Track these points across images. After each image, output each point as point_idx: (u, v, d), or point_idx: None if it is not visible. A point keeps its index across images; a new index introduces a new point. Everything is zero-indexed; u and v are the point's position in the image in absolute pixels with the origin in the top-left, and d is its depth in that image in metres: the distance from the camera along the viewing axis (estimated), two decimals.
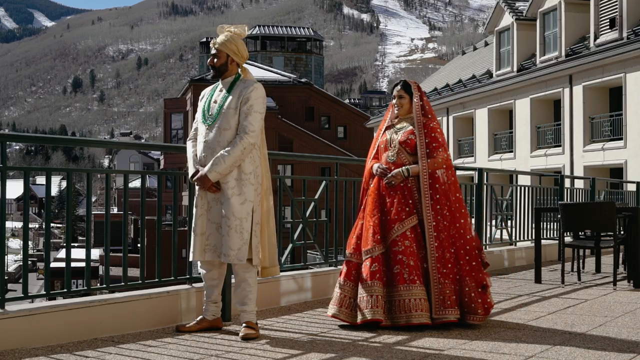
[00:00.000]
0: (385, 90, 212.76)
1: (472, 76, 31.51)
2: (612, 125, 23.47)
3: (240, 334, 4.52)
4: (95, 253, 41.96)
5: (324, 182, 6.58)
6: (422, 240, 4.96)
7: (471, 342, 4.44)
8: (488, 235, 9.01)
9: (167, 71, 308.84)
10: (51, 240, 20.20)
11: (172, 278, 5.15)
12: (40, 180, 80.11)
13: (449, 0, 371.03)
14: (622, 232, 8.12)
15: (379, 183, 5.12)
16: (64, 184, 74.35)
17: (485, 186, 8.85)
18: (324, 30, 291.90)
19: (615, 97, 23.62)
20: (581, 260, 8.38)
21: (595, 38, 23.61)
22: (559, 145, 25.73)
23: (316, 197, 6.40)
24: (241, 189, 4.57)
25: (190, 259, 4.75)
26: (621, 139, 22.76)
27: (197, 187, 4.68)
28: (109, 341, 4.39)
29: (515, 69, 28.08)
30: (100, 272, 39.92)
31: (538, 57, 26.71)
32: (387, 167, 5.11)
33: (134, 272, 6.77)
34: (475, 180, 8.76)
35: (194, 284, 5.20)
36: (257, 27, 68.10)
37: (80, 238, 61.01)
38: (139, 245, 30.58)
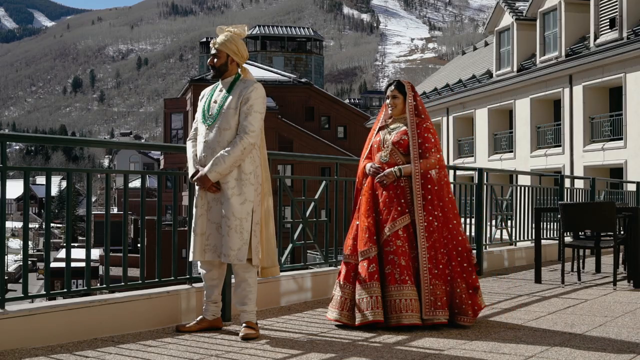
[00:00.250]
0: None
1: (472, 76, 31.51)
2: (612, 125, 23.47)
3: (240, 334, 4.52)
4: (95, 253, 41.96)
5: (324, 182, 6.58)
6: (415, 240, 4.96)
7: (471, 342, 4.44)
8: (488, 235, 9.00)
9: (167, 71, 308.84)
10: (51, 240, 20.20)
11: (172, 278, 5.14)
12: (40, 180, 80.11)
13: (449, 0, 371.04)
14: (622, 232, 8.12)
15: (372, 183, 5.12)
16: (64, 184, 74.36)
17: (485, 186, 8.84)
18: (324, 30, 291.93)
19: (615, 97, 23.62)
20: (581, 260, 8.38)
21: (595, 38, 23.61)
22: (559, 145, 25.73)
23: (316, 197, 6.40)
24: (241, 189, 4.57)
25: (190, 259, 4.75)
26: (621, 139, 22.76)
27: (197, 187, 4.68)
28: (109, 341, 4.39)
29: (515, 69, 28.08)
30: (100, 272, 39.92)
31: (538, 57, 26.71)
32: (379, 166, 5.11)
33: (134, 272, 6.77)
34: (475, 180, 8.76)
35: (194, 284, 5.20)
36: (257, 27, 68.10)
37: (80, 238, 61.01)
38: (139, 245, 30.59)
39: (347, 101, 70.86)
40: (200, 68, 68.21)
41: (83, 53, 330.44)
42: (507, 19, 28.77)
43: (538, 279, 7.61)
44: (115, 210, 48.99)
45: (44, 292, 4.63)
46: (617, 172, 23.49)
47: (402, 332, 4.72)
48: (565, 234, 8.43)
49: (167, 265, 5.00)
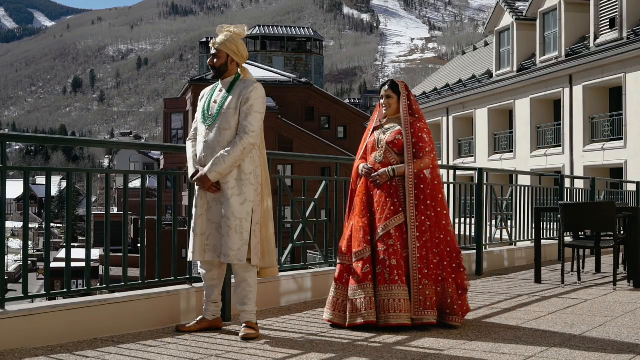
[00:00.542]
0: None
1: (472, 76, 31.51)
2: (612, 125, 23.47)
3: (240, 334, 4.52)
4: (95, 253, 41.97)
5: (324, 182, 6.58)
6: (408, 239, 4.95)
7: (471, 342, 4.44)
8: (488, 235, 9.00)
9: (167, 71, 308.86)
10: (51, 240, 20.20)
11: (172, 278, 5.14)
12: (40, 180, 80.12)
13: (449, 0, 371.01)
14: (622, 232, 8.12)
15: (366, 183, 5.12)
16: (64, 184, 74.36)
17: (485, 186, 8.84)
18: (324, 30, 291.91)
19: (615, 97, 23.63)
20: (581, 260, 8.38)
21: (595, 38, 23.61)
22: (559, 145, 25.73)
23: (316, 197, 6.40)
24: (241, 189, 4.57)
25: (190, 259, 4.75)
26: (621, 139, 22.76)
27: (197, 187, 4.68)
28: (109, 341, 4.39)
29: (515, 69, 28.08)
30: (100, 272, 39.92)
31: (538, 57, 26.71)
32: (371, 167, 5.11)
33: (134, 272, 6.77)
34: (475, 180, 8.76)
35: (194, 284, 5.20)
36: (257, 27, 68.06)
37: (80, 238, 61.03)
38: (139, 245, 30.59)
39: (347, 101, 70.81)
40: (200, 68, 68.19)
41: (83, 53, 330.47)
42: (507, 19, 28.77)
43: (538, 279, 7.61)
44: (115, 210, 49.00)
45: (44, 292, 4.63)
46: (617, 172, 23.49)
47: (401, 332, 4.72)
48: (565, 234, 8.43)
49: (167, 265, 5.00)
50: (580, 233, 8.26)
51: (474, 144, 31.10)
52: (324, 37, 78.92)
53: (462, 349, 4.26)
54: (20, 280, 7.43)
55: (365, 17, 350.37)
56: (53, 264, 35.81)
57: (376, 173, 5.05)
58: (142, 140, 61.00)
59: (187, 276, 5.24)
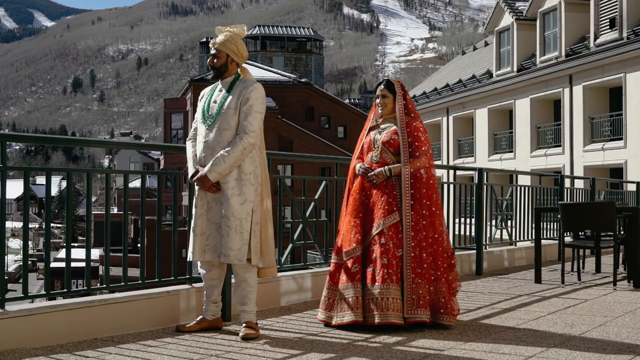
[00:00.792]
0: None
1: (472, 76, 31.51)
2: (612, 125, 23.48)
3: (240, 334, 4.52)
4: (95, 253, 41.97)
5: (324, 182, 6.58)
6: (403, 239, 4.94)
7: (471, 342, 4.44)
8: (488, 235, 9.00)
9: (167, 71, 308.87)
10: (51, 240, 20.20)
11: (172, 278, 5.14)
12: (40, 180, 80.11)
13: (449, 0, 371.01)
14: (622, 232, 8.12)
15: (362, 183, 5.12)
16: (64, 184, 74.36)
17: (485, 186, 8.84)
18: (324, 30, 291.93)
19: (615, 97, 23.63)
20: (581, 260, 8.38)
21: (595, 38, 23.62)
22: (559, 145, 25.73)
23: (316, 197, 6.40)
24: (241, 189, 4.57)
25: (190, 259, 4.75)
26: (621, 139, 22.77)
27: (197, 187, 4.68)
28: (109, 341, 4.39)
29: (515, 69, 28.08)
30: (100, 272, 39.92)
31: (538, 57, 26.71)
32: (368, 166, 5.11)
33: (134, 272, 6.78)
34: (475, 180, 8.76)
35: (194, 284, 5.20)
36: (257, 27, 68.04)
37: (80, 238, 61.03)
38: (139, 245, 30.58)
39: (347, 101, 70.73)
40: (200, 68, 68.18)
41: (83, 53, 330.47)
42: (507, 19, 28.77)
43: (538, 279, 7.61)
44: (115, 210, 49.00)
45: (44, 292, 4.63)
46: (617, 172, 23.49)
47: (393, 331, 4.72)
48: (565, 234, 8.43)
49: (167, 265, 5.00)
50: (580, 233, 8.26)
51: (474, 144, 31.11)
52: (324, 37, 78.91)
53: (462, 349, 4.26)
54: (20, 280, 7.43)
55: (365, 17, 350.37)
56: (53, 264, 35.81)
57: (372, 173, 5.05)
58: (142, 140, 61.00)
59: (187, 276, 5.24)
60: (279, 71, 50.79)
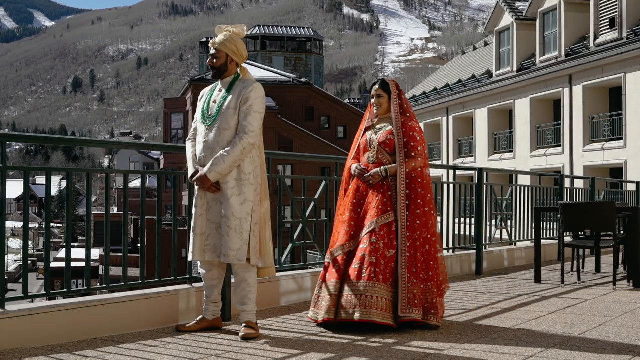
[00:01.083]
0: None
1: (472, 76, 31.51)
2: (612, 125, 23.48)
3: (240, 334, 4.53)
4: (95, 253, 41.97)
5: (323, 182, 6.58)
6: (395, 239, 4.92)
7: (471, 342, 4.44)
8: (488, 235, 9.00)
9: (167, 71, 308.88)
10: (51, 240, 20.19)
11: (172, 278, 5.14)
12: (40, 180, 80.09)
13: (449, 0, 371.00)
14: (621, 232, 8.13)
15: (358, 183, 5.12)
16: (64, 183, 74.39)
17: (485, 186, 8.84)
18: (323, 30, 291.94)
19: (615, 97, 23.64)
20: (581, 260, 8.38)
21: (595, 38, 23.62)
22: (559, 145, 25.74)
23: (316, 197, 6.41)
24: (241, 189, 4.57)
25: (190, 259, 4.75)
26: (621, 138, 22.77)
27: (196, 187, 4.68)
28: (109, 341, 4.39)
29: (515, 69, 28.09)
30: (100, 272, 39.93)
31: (538, 57, 26.71)
32: (364, 167, 5.11)
33: (134, 272, 6.78)
34: (475, 180, 8.76)
35: (194, 284, 5.20)
36: (257, 27, 68.04)
37: (80, 238, 61.03)
38: (139, 245, 30.59)
39: (347, 101, 70.76)
40: (200, 68, 68.18)
41: (83, 53, 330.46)
42: (507, 19, 28.77)
43: (538, 279, 7.62)
44: (115, 210, 48.99)
45: (44, 292, 4.63)
46: (616, 172, 23.50)
47: (403, 331, 4.72)
48: (565, 234, 8.43)
49: (167, 265, 5.01)
50: (580, 233, 8.26)
51: (473, 144, 31.11)
52: (323, 37, 78.91)
53: (462, 348, 4.26)
54: (20, 280, 7.43)
55: (365, 17, 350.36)
56: (53, 264, 35.81)
57: (369, 174, 5.05)
58: (142, 140, 61.03)
59: (187, 276, 5.24)
60: (279, 71, 50.78)
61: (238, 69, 4.76)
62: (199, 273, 4.85)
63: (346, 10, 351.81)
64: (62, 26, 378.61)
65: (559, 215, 7.78)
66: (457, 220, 8.45)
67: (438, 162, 32.83)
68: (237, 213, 4.52)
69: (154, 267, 5.05)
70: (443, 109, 33.27)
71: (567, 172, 24.60)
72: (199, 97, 4.87)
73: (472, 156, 30.99)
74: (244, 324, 4.60)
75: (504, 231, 9.52)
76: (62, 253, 46.64)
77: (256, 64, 50.55)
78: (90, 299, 4.66)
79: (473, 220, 8.63)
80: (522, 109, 27.56)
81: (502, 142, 29.49)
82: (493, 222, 9.27)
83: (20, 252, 54.56)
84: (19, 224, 75.35)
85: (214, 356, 4.03)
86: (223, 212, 4.54)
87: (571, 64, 24.26)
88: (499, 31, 29.51)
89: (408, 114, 5.17)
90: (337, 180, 6.60)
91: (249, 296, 4.65)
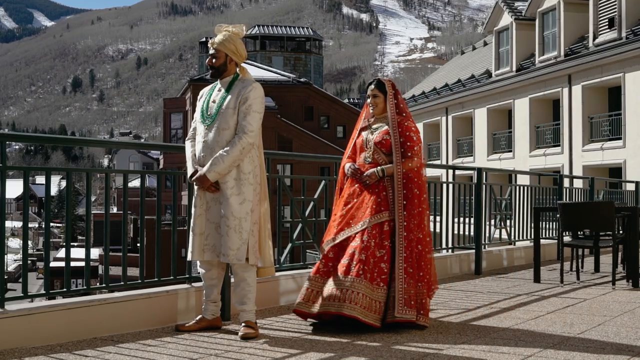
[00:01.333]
0: None
1: (471, 76, 31.51)
2: (611, 125, 23.48)
3: (240, 334, 4.53)
4: (95, 253, 41.96)
5: (323, 182, 6.59)
6: (389, 239, 4.91)
7: (470, 342, 4.45)
8: (487, 234, 9.01)
9: (167, 71, 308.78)
10: (51, 240, 20.19)
11: (172, 277, 5.15)
12: (40, 179, 79.78)
13: (448, 0, 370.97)
14: (621, 232, 8.14)
15: (353, 183, 5.13)
16: (64, 183, 74.26)
17: (484, 186, 8.85)
18: (323, 30, 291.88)
19: (614, 96, 23.64)
20: (580, 260, 8.39)
21: (594, 38, 23.62)
22: (558, 145, 25.74)
23: (315, 196, 6.41)
24: (240, 189, 4.57)
25: (189, 258, 4.76)
26: (620, 138, 22.77)
27: (196, 187, 4.69)
28: (108, 340, 4.39)
29: (514, 68, 28.09)
30: (100, 272, 39.93)
31: (537, 56, 26.71)
32: (358, 167, 5.11)
33: (133, 271, 6.78)
34: (475, 180, 8.77)
35: (193, 284, 5.20)
36: (256, 26, 68.01)
37: (79, 238, 61.01)
38: (138, 244, 30.57)
39: (346, 101, 70.71)
40: (200, 68, 68.15)
41: (83, 53, 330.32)
42: (506, 19, 28.77)
43: (537, 279, 7.62)
44: (114, 210, 48.99)
45: (44, 292, 4.63)
46: (616, 171, 23.50)
47: (402, 331, 4.73)
48: (564, 234, 8.44)
49: (166, 264, 5.01)
50: (579, 233, 8.27)
51: (473, 144, 31.11)
52: (323, 37, 78.87)
53: (461, 348, 4.27)
54: (20, 280, 7.43)
55: (365, 17, 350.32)
56: (53, 264, 35.79)
57: (366, 174, 5.06)
58: (142, 140, 60.99)
59: (187, 276, 5.24)
60: (278, 71, 50.78)
61: (237, 69, 4.77)
62: (199, 273, 4.85)
63: (345, 10, 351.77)
64: (61, 26, 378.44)
65: (558, 215, 7.78)
66: (456, 220, 8.46)
67: (437, 162, 32.83)
68: (236, 213, 4.53)
69: (153, 266, 5.05)
70: (442, 108, 33.27)
71: (566, 171, 24.60)
72: (198, 97, 4.88)
73: (472, 156, 31.00)
74: (243, 324, 4.60)
75: (503, 231, 9.53)
76: (61, 253, 46.62)
77: (255, 63, 50.55)
78: (89, 299, 4.66)
79: (472, 220, 8.63)
80: (521, 108, 27.57)
81: (501, 141, 29.49)
82: (492, 221, 9.27)
83: (20, 251, 54.54)
84: (18, 224, 75.30)
85: (213, 356, 4.04)
86: (222, 211, 4.55)
87: (570, 64, 24.26)
88: (498, 31, 29.51)
89: (404, 114, 5.17)
90: (336, 180, 6.61)
91: (249, 296, 4.66)
